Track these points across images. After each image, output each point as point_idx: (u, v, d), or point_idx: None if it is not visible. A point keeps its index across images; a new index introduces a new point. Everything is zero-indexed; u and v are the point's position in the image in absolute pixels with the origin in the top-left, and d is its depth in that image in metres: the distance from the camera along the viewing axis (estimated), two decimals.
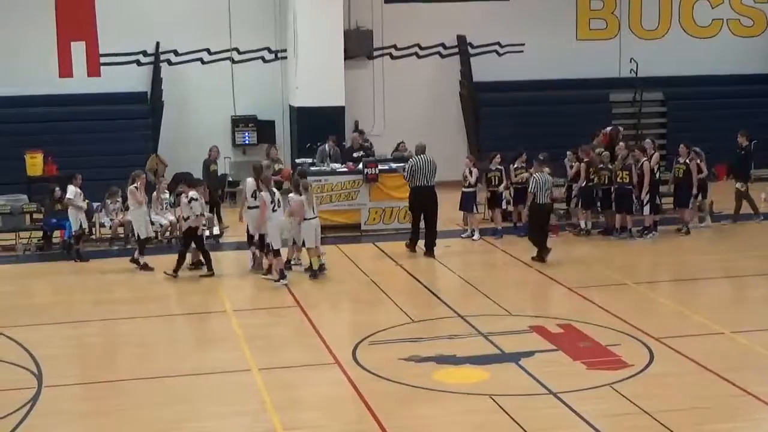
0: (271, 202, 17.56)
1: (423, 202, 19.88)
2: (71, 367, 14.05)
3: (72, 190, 19.71)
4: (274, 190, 17.90)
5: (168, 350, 14.49)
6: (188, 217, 18.20)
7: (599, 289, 17.04)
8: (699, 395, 12.11)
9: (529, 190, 19.11)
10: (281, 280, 17.52)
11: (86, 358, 14.57)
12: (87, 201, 20.07)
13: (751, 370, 12.94)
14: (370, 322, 15.45)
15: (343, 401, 12.29)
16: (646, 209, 20.65)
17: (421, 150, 20.10)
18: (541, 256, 18.86)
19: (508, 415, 11.53)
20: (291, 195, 18.02)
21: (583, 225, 21.16)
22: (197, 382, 13.01)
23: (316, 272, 18.04)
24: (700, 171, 21.13)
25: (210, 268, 18.35)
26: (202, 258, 18.57)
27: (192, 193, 18.16)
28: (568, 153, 21.72)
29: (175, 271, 18.22)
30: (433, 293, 17.08)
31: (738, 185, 22.02)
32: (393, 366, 13.26)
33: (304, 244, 18.17)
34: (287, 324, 15.58)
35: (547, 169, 19.30)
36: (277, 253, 17.65)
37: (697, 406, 11.79)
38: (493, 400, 11.95)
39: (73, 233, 19.78)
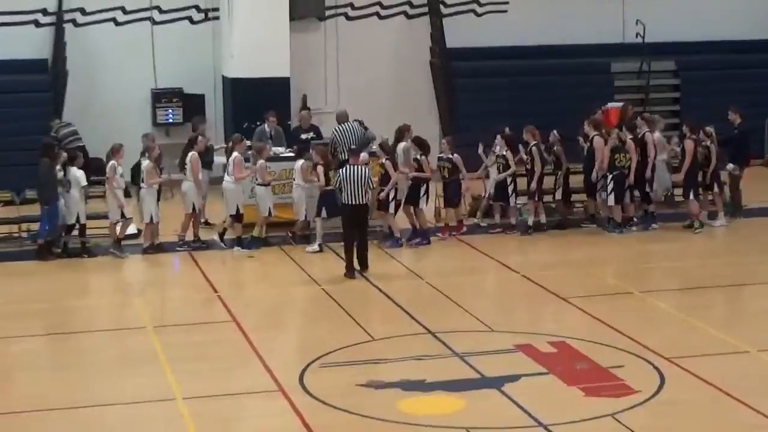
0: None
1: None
2: None
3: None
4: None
5: (76, 375, 14.40)
6: None
7: (598, 299, 17.16)
8: (717, 426, 12.25)
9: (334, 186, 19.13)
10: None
11: None
12: None
13: None
14: (320, 340, 15.47)
15: None
16: (611, 199, 20.87)
17: (342, 118, 21.13)
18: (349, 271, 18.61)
19: None
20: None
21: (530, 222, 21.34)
22: (111, 414, 12.99)
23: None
24: (707, 156, 21.29)
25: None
26: None
27: None
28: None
29: None
30: (397, 305, 17.12)
31: (730, 168, 22.18)
32: (349, 393, 13.30)
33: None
34: (219, 343, 15.57)
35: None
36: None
37: None
38: None
39: None
